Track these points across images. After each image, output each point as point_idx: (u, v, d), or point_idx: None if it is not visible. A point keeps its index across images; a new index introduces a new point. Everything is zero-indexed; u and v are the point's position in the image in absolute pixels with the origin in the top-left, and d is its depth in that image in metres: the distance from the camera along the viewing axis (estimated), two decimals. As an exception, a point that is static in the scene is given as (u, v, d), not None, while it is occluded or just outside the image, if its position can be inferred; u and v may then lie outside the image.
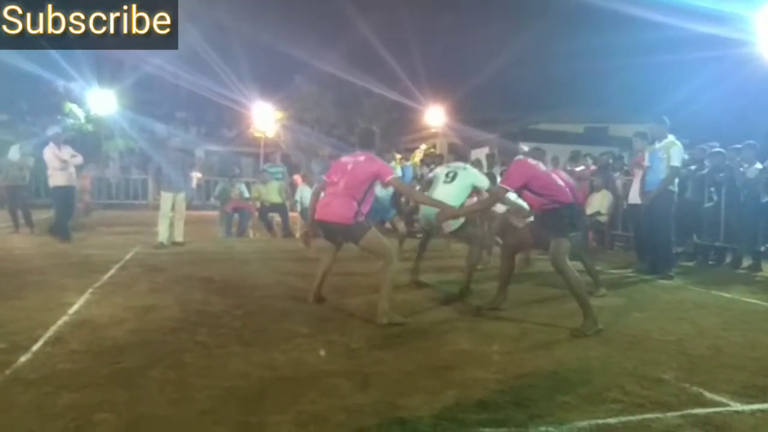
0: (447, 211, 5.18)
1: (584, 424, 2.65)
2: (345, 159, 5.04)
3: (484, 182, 5.99)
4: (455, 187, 5.82)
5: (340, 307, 5.06)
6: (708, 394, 3.09)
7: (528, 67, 25.03)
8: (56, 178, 9.44)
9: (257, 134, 24.26)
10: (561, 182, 4.69)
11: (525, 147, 7.15)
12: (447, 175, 5.94)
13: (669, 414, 2.80)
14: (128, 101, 22.78)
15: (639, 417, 2.76)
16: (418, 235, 9.12)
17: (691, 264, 8.41)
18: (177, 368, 3.28)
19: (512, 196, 5.25)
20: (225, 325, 4.29)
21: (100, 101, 21.75)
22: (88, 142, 23.35)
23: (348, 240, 4.97)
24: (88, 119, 23.11)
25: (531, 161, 4.77)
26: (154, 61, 23.57)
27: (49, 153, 9.41)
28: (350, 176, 4.79)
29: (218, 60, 22.70)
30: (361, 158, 4.89)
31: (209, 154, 27.19)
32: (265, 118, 23.50)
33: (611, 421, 2.70)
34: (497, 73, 23.27)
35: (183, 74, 24.61)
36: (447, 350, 3.79)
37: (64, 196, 9.55)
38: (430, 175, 6.58)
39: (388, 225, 9.60)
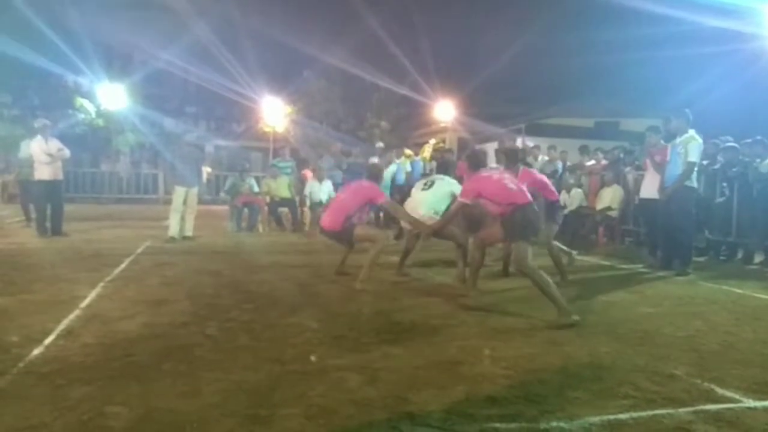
0: (423, 228, 5.90)
1: (595, 419, 2.64)
2: (354, 184, 6.45)
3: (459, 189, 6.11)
4: (432, 193, 6.20)
5: (350, 301, 5.06)
6: (720, 390, 3.07)
7: (538, 61, 24.82)
8: (42, 172, 9.27)
9: (266, 129, 24.31)
10: (512, 186, 4.89)
11: (530, 143, 7.16)
12: (425, 183, 6.42)
13: (680, 410, 2.79)
14: (138, 96, 22.86)
15: (650, 413, 2.74)
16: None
17: (702, 259, 8.35)
18: (188, 361, 3.30)
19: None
20: (235, 319, 4.31)
21: (110, 96, 21.84)
22: (99, 136, 23.53)
23: (342, 243, 6.24)
24: (99, 114, 23.24)
25: (484, 173, 5.21)
26: (164, 55, 23.66)
27: (36, 146, 9.25)
28: (348, 194, 6.18)
29: (227, 55, 22.74)
30: (365, 186, 6.20)
31: (219, 149, 27.29)
32: (274, 112, 23.53)
33: (622, 416, 2.69)
34: (507, 67, 23.10)
35: (192, 69, 24.70)
36: (456, 345, 3.78)
37: (49, 191, 9.35)
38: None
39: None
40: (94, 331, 3.87)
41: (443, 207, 6.07)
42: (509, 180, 5.03)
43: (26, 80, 24.31)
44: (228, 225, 11.54)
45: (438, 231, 5.83)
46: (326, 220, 6.09)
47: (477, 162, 5.47)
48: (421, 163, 14.37)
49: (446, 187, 6.24)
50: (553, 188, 6.67)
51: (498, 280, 6.31)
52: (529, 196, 4.90)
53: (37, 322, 3.99)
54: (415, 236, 6.41)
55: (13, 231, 10.19)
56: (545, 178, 6.84)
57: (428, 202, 6.11)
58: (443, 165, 9.13)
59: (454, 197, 6.01)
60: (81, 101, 22.95)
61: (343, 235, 6.05)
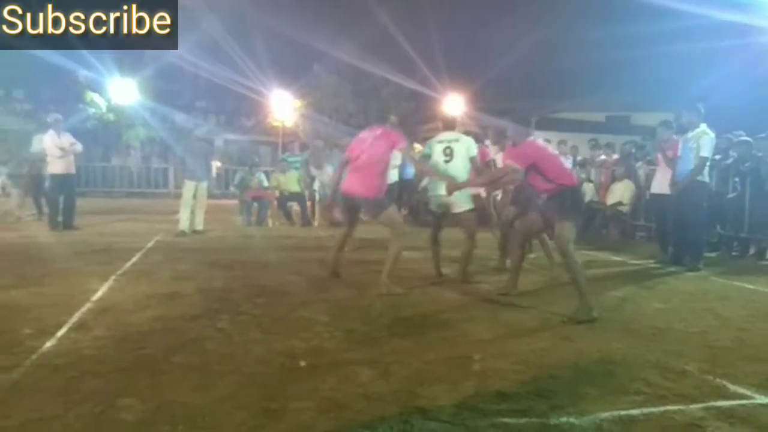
0: (453, 184, 5.40)
1: (606, 415, 2.63)
2: (364, 135, 5.52)
3: (475, 149, 5.90)
4: (456, 164, 5.69)
5: (360, 295, 5.07)
6: (731, 387, 3.05)
7: (549, 56, 24.70)
8: (54, 166, 9.38)
9: (276, 123, 24.35)
10: (566, 164, 4.78)
11: (540, 137, 7.09)
12: (444, 152, 5.76)
13: (692, 406, 2.77)
14: (149, 91, 22.95)
15: (661, 408, 2.73)
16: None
17: (714, 255, 8.29)
18: (199, 355, 3.32)
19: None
20: (246, 313, 4.33)
21: (121, 91, 21.94)
22: (110, 131, 23.65)
23: (368, 213, 5.51)
24: (110, 109, 23.36)
25: (540, 143, 4.81)
26: (174, 50, 23.71)
27: (49, 140, 9.34)
28: (370, 151, 5.30)
29: (237, 49, 22.76)
30: (378, 132, 5.43)
31: (228, 143, 27.35)
32: (283, 107, 23.56)
33: (633, 412, 2.67)
34: (517, 62, 22.97)
35: (203, 64, 24.74)
36: (467, 340, 3.78)
37: (62, 184, 9.46)
38: (423, 149, 6.47)
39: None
40: (106, 324, 3.90)
41: (466, 176, 5.69)
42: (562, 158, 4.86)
43: (39, 75, 24.45)
44: (237, 219, 11.59)
45: (468, 198, 5.62)
46: (355, 184, 5.31)
47: (523, 131, 5.00)
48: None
49: (464, 150, 5.72)
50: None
51: (505, 274, 6.29)
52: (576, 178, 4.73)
53: (49, 315, 4.03)
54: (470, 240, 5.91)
55: (26, 225, 10.28)
56: None
57: (458, 172, 5.64)
58: None
59: (473, 161, 5.78)
60: (92, 96, 23.08)
61: (372, 208, 5.34)
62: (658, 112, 14.61)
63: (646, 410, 2.70)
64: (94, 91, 23.13)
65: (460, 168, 5.65)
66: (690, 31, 15.44)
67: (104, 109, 23.45)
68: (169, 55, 23.66)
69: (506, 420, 2.54)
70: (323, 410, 2.59)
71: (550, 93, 22.39)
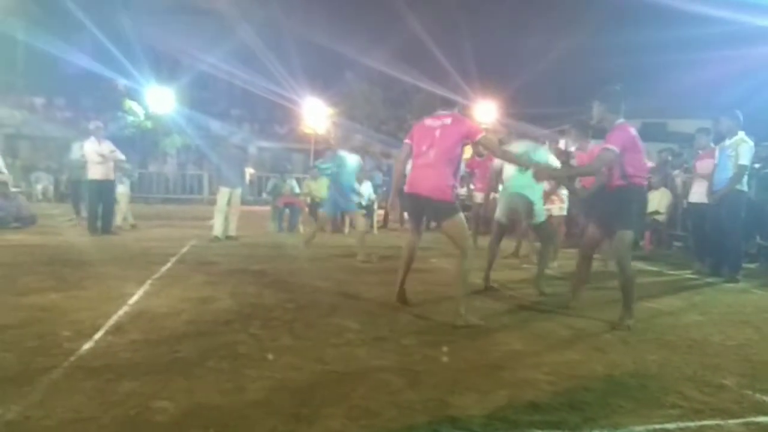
0: (544, 171, 4.93)
1: (640, 428, 2.57)
2: (429, 122, 4.64)
3: (555, 161, 5.81)
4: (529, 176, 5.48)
5: (390, 302, 5.05)
6: (773, 402, 2.96)
7: (584, 62, 24.40)
8: (94, 172, 9.62)
9: (308, 131, 24.57)
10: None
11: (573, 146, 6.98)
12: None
13: (730, 421, 2.70)
14: (185, 99, 23.42)
15: (698, 423, 2.66)
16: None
17: (753, 266, 8.07)
18: (231, 359, 3.35)
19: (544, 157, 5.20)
20: (277, 318, 4.36)
21: (158, 99, 22.42)
22: (147, 138, 24.19)
23: (435, 218, 4.76)
24: (147, 117, 23.88)
25: (629, 126, 4.43)
26: (210, 59, 24.16)
27: (89, 147, 9.62)
28: (440, 144, 4.45)
29: (271, 58, 23.10)
30: (448, 120, 4.55)
31: (262, 151, 27.70)
32: (315, 114, 23.77)
33: (669, 426, 2.61)
34: (550, 67, 22.84)
35: (237, 72, 25.14)
36: (498, 350, 3.75)
37: (101, 190, 9.69)
38: (496, 162, 6.18)
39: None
40: (141, 327, 3.97)
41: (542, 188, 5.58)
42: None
43: (79, 83, 25.18)
44: (269, 225, 11.71)
45: (541, 209, 5.39)
46: (424, 182, 4.47)
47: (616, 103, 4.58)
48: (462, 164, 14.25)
49: (542, 159, 5.50)
50: None
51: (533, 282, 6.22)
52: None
53: (87, 318, 4.12)
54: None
55: (65, 229, 10.55)
56: None
57: (532, 183, 5.47)
58: None
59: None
60: (130, 104, 23.63)
61: (440, 212, 4.50)
62: (695, 119, 14.34)
63: (682, 424, 2.64)
64: (133, 99, 23.69)
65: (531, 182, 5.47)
66: (727, 36, 15.15)
67: (142, 117, 23.98)
68: (204, 64, 24.14)
69: None
70: (354, 417, 2.60)
71: (584, 99, 22.09)
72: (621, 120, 4.47)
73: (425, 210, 4.68)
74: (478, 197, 9.64)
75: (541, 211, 5.69)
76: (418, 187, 4.50)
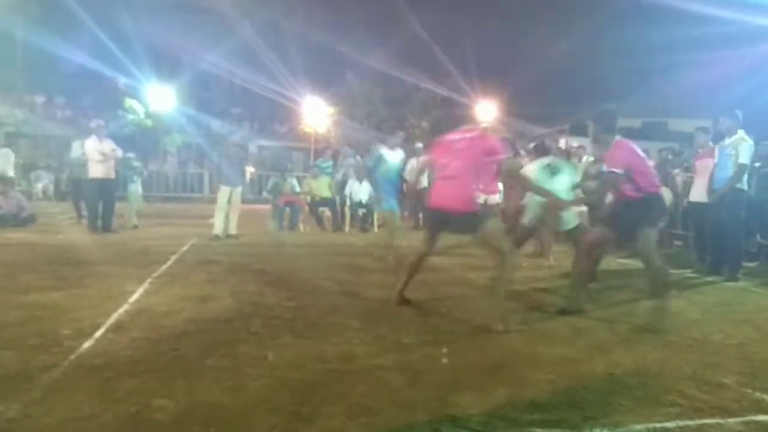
0: (557, 203, 5.05)
1: (640, 427, 2.58)
2: (452, 137, 4.59)
3: (577, 172, 5.86)
4: (560, 182, 5.62)
5: (390, 301, 5.05)
6: (772, 401, 2.97)
7: (584, 61, 24.43)
8: (95, 170, 9.61)
9: (308, 130, 24.57)
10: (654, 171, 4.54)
11: (575, 143, 6.99)
12: (546, 170, 5.64)
13: (730, 420, 2.70)
14: (185, 98, 23.41)
15: (698, 422, 2.67)
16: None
17: (753, 265, 8.06)
18: (232, 357, 3.36)
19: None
20: (277, 317, 4.36)
21: (158, 98, 22.42)
22: (147, 137, 24.20)
23: (464, 230, 4.54)
24: (147, 115, 23.89)
25: (630, 142, 4.46)
26: (211, 58, 24.16)
27: (90, 145, 9.61)
28: (464, 156, 4.37)
29: (271, 56, 23.10)
30: (472, 134, 4.49)
31: (262, 149, 27.70)
32: (316, 113, 23.77)
33: (669, 425, 2.62)
34: (551, 67, 22.84)
35: (238, 71, 25.15)
36: (498, 348, 3.75)
37: (101, 189, 9.68)
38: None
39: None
40: (141, 325, 3.98)
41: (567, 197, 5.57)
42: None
43: (79, 82, 25.18)
44: (270, 224, 11.71)
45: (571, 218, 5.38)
46: (448, 196, 4.39)
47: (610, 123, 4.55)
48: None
49: (570, 176, 5.61)
50: None
51: (535, 281, 6.23)
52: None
53: (87, 316, 4.13)
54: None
55: (65, 228, 10.56)
56: None
57: (562, 187, 5.58)
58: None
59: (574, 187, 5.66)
60: (130, 102, 23.64)
61: (469, 224, 4.35)
62: (695, 119, 14.35)
63: (681, 423, 2.64)
64: (133, 97, 23.69)
65: (563, 189, 5.59)
66: (728, 36, 15.16)
67: (142, 116, 23.97)
68: (204, 63, 24.15)
69: (538, 430, 2.52)
70: (354, 415, 2.60)
71: (584, 99, 22.08)
72: (617, 137, 4.47)
73: (450, 225, 4.54)
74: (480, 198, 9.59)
75: (572, 218, 5.68)
76: (442, 200, 4.44)
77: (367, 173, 7.78)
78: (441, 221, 4.56)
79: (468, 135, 4.49)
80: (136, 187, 11.38)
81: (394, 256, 7.08)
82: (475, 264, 6.39)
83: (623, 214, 4.50)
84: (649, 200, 4.40)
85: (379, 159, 7.34)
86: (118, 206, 10.42)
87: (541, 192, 5.20)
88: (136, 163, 11.63)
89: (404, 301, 4.83)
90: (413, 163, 7.83)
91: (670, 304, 4.39)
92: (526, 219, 5.90)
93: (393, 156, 7.45)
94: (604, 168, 4.58)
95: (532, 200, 5.92)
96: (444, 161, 4.48)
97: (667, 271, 4.38)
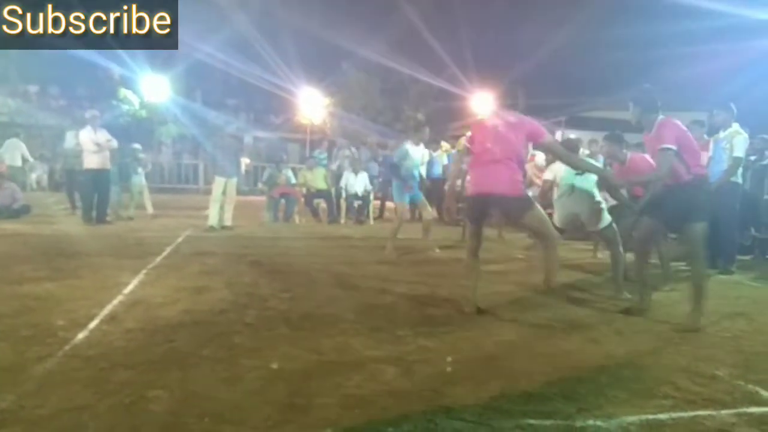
0: (611, 179, 4.77)
1: (633, 419, 2.59)
2: (490, 120, 4.42)
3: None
4: (587, 179, 5.52)
5: (385, 294, 5.07)
6: (764, 393, 2.99)
7: (579, 54, 24.36)
8: (90, 161, 9.58)
9: (304, 121, 24.50)
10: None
11: (571, 136, 6.96)
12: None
13: (722, 411, 2.72)
14: (180, 88, 23.28)
15: (691, 414, 2.69)
16: (461, 223, 9.05)
17: (748, 258, 8.10)
18: (227, 348, 3.36)
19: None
20: (273, 308, 4.37)
21: (153, 88, 22.29)
22: (142, 127, 24.05)
23: (511, 216, 4.41)
24: (142, 105, 23.75)
25: (677, 121, 4.25)
26: (206, 48, 23.99)
27: (85, 136, 9.55)
28: (508, 139, 4.19)
29: (267, 47, 22.96)
30: (512, 118, 4.31)
31: (257, 141, 27.60)
32: (312, 104, 23.70)
33: (662, 416, 2.63)
34: (547, 60, 22.72)
35: (233, 62, 25.00)
36: (493, 341, 3.76)
37: (96, 179, 9.65)
38: (547, 174, 6.10)
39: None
40: (136, 316, 3.97)
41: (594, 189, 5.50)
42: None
43: (73, 72, 24.98)
44: (265, 215, 11.69)
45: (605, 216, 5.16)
46: (492, 180, 4.18)
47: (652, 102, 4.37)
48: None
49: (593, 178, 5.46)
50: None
51: (532, 273, 6.24)
52: None
53: (82, 307, 4.12)
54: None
55: (60, 218, 10.51)
56: None
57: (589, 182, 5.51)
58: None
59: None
60: (125, 93, 23.49)
61: (516, 209, 4.21)
62: (690, 112, 14.31)
63: (674, 415, 2.66)
64: (127, 87, 23.55)
65: (589, 182, 5.50)
66: (723, 30, 15.16)
67: (137, 106, 23.83)
68: (199, 53, 23.97)
69: (532, 421, 2.52)
70: (348, 406, 2.61)
71: (580, 91, 22.05)
72: (661, 116, 4.32)
73: (496, 209, 4.44)
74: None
75: (605, 216, 5.51)
76: (488, 186, 4.21)
77: (391, 168, 7.76)
78: (485, 208, 4.41)
79: (508, 118, 4.31)
80: (139, 179, 11.36)
81: (391, 249, 7.22)
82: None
83: (671, 200, 4.27)
84: (698, 183, 4.20)
85: (405, 154, 7.34)
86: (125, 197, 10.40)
87: (594, 169, 5.04)
88: (142, 155, 11.60)
89: (479, 310, 4.46)
90: (406, 148, 7.67)
91: (707, 306, 4.27)
92: (557, 219, 5.73)
93: (417, 152, 7.48)
94: (652, 148, 4.33)
95: (558, 201, 5.80)
96: (487, 145, 4.24)
97: (708, 273, 4.14)
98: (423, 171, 8.72)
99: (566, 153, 4.70)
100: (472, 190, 4.37)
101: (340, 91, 25.66)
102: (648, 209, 4.55)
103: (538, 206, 4.25)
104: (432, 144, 13.16)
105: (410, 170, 7.37)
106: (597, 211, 5.42)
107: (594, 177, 5.41)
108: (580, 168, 5.14)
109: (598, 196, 5.53)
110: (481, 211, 4.41)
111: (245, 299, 4.61)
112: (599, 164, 6.02)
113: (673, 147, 4.07)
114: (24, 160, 13.71)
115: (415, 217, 10.97)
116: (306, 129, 23.73)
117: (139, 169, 11.33)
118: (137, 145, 11.60)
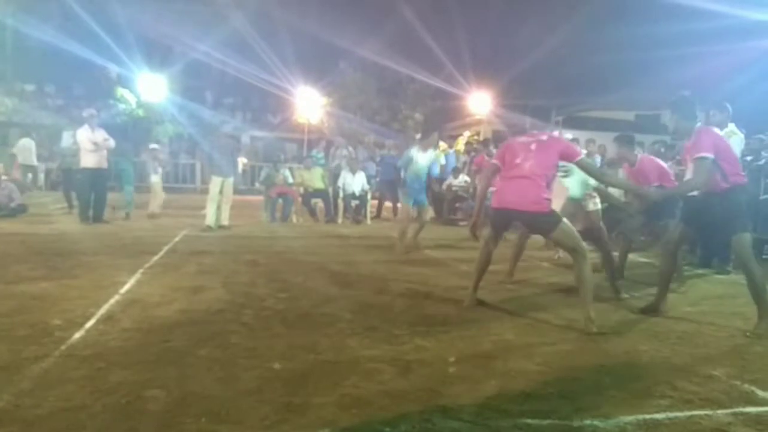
0: (652, 195, 4.69)
1: (630, 418, 2.60)
2: (522, 140, 4.47)
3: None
4: (575, 179, 5.63)
5: (382, 293, 5.07)
6: (760, 393, 3.00)
7: (577, 53, 24.38)
8: (87, 160, 9.54)
9: (301, 120, 24.47)
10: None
11: (568, 135, 6.97)
12: (563, 172, 5.43)
13: (719, 411, 2.73)
14: (177, 87, 23.25)
15: (687, 413, 2.69)
16: (461, 223, 9.05)
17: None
18: (223, 348, 3.36)
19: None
20: (269, 308, 4.36)
21: (150, 87, 22.26)
22: (139, 127, 24.02)
23: (536, 231, 4.63)
24: (139, 105, 23.71)
25: (715, 129, 4.22)
26: (203, 47, 23.99)
27: (82, 135, 9.52)
28: (539, 156, 4.24)
29: (264, 46, 22.95)
30: (544, 137, 4.43)
31: (254, 140, 27.55)
32: (309, 104, 23.68)
33: (658, 416, 2.64)
34: (545, 59, 22.74)
35: (230, 61, 24.98)
36: (490, 340, 3.76)
37: (93, 179, 9.62)
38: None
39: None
40: (133, 316, 3.96)
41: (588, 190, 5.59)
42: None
43: (71, 71, 24.94)
44: (262, 215, 11.68)
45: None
46: (519, 195, 4.22)
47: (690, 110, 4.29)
48: (455, 156, 14.29)
49: (581, 173, 5.41)
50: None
51: (531, 272, 6.25)
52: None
53: (78, 307, 4.11)
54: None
55: (56, 218, 10.49)
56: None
57: (576, 185, 5.68)
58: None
59: (587, 186, 5.64)
60: (122, 92, 23.44)
61: (542, 224, 4.30)
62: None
63: (671, 415, 2.66)
64: (124, 87, 23.51)
65: (576, 184, 5.64)
66: (721, 31, 15.18)
67: (134, 105, 23.79)
68: (197, 52, 23.97)
69: (529, 421, 2.53)
70: (345, 406, 2.61)
71: (578, 91, 22.09)
72: (698, 124, 4.28)
73: (520, 222, 4.58)
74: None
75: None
76: (512, 201, 4.27)
77: (396, 172, 7.91)
78: (507, 221, 4.55)
79: (540, 138, 4.41)
80: (157, 178, 11.38)
81: (401, 247, 7.42)
82: (468, 257, 6.39)
83: (708, 209, 4.20)
84: (737, 191, 4.12)
85: (409, 161, 7.51)
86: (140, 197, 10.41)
87: (629, 187, 5.08)
88: (161, 155, 11.63)
89: (478, 303, 4.67)
90: (412, 154, 7.68)
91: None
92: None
93: (423, 157, 7.56)
94: (690, 157, 4.24)
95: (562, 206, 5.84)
96: (517, 161, 4.29)
97: (764, 283, 4.05)
98: (436, 170, 8.72)
99: (601, 171, 4.72)
100: (497, 203, 4.42)
101: (338, 90, 25.62)
102: (684, 216, 4.55)
103: (565, 221, 4.27)
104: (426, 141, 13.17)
105: (415, 174, 7.48)
106: (592, 212, 5.46)
107: (581, 178, 5.44)
108: (617, 187, 5.15)
109: (596, 199, 5.55)
110: (504, 224, 4.57)
111: (242, 299, 4.60)
112: (598, 164, 6.04)
113: (710, 155, 4.04)
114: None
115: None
116: (303, 128, 23.70)
117: (159, 168, 11.38)
118: (155, 145, 11.67)
